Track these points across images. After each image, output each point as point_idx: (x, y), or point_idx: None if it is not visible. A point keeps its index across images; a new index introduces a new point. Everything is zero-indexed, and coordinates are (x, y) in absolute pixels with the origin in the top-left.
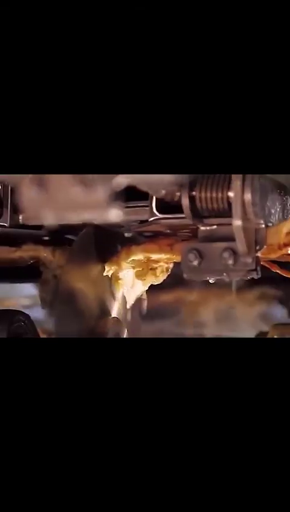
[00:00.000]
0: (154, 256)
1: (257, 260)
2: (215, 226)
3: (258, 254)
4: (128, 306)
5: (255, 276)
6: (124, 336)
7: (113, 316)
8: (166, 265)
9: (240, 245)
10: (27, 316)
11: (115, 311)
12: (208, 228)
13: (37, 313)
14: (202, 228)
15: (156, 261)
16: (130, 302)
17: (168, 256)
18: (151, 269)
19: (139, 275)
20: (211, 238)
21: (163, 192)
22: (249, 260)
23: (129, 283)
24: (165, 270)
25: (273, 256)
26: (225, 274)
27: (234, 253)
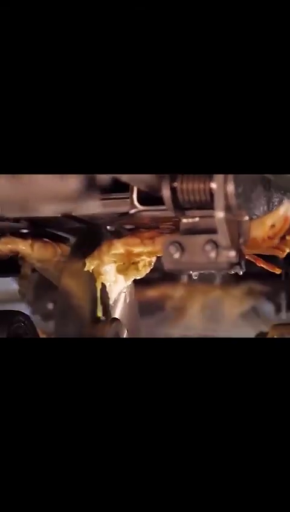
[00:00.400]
0: (136, 250)
1: (241, 254)
2: (197, 218)
3: (242, 247)
4: (111, 302)
5: (239, 270)
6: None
7: (113, 316)
8: (148, 259)
9: (223, 238)
10: (27, 317)
11: (115, 312)
12: (190, 220)
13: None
14: (184, 220)
15: (138, 255)
16: (113, 297)
17: (150, 249)
18: (133, 263)
19: (121, 270)
20: (193, 230)
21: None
22: (233, 253)
23: (111, 278)
24: (147, 264)
25: (258, 250)
26: (207, 268)
27: (217, 246)
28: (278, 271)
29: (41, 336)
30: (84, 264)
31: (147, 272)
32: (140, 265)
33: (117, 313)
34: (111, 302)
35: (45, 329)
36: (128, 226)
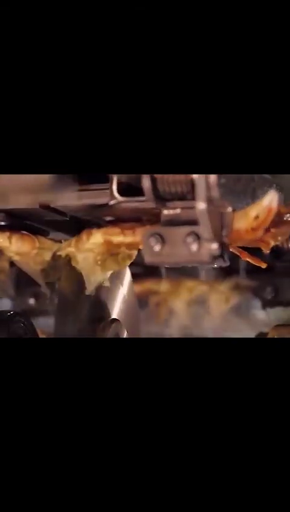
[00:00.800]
0: (115, 240)
1: (224, 246)
2: (178, 210)
3: (225, 240)
4: (88, 292)
5: (222, 264)
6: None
7: (112, 317)
8: (128, 252)
9: (205, 229)
10: (26, 317)
11: (115, 312)
12: (171, 212)
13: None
14: (165, 212)
15: (118, 246)
16: (90, 290)
17: (130, 240)
18: (112, 255)
19: (99, 260)
20: (174, 222)
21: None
22: (215, 246)
23: (89, 269)
24: (127, 257)
25: (242, 242)
26: (188, 261)
27: (199, 238)
28: (263, 265)
29: (41, 336)
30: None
31: (127, 266)
32: (119, 257)
33: (116, 314)
34: (88, 292)
35: (44, 329)
36: (108, 218)
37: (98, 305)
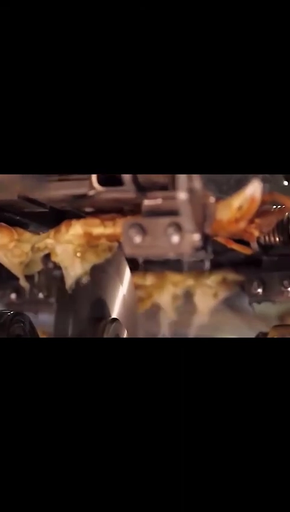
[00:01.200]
0: (95, 232)
1: (206, 237)
2: (160, 200)
3: (207, 231)
4: (67, 286)
5: (205, 256)
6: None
7: (113, 317)
8: (108, 244)
9: (186, 220)
10: (26, 317)
11: (115, 312)
12: (152, 202)
13: None
14: (146, 202)
15: (97, 238)
16: (69, 283)
17: (110, 232)
18: (92, 247)
19: (79, 253)
20: (155, 212)
21: None
22: (196, 237)
23: (68, 261)
24: (107, 249)
25: (225, 233)
26: (170, 252)
27: (180, 229)
28: (248, 251)
29: (42, 336)
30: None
31: (107, 258)
32: (99, 249)
33: (116, 313)
34: (67, 287)
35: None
36: (88, 209)
37: (98, 304)
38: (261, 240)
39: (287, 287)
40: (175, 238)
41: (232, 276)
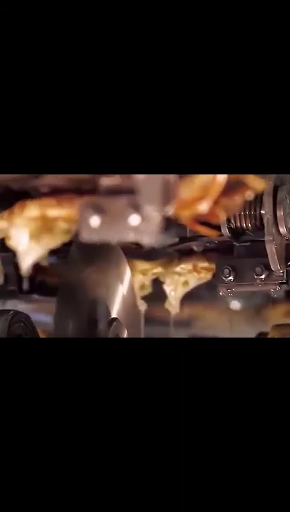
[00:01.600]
0: (51, 213)
1: (168, 218)
2: (119, 178)
3: (169, 210)
4: (22, 271)
5: (168, 240)
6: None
7: (113, 316)
8: (66, 226)
9: (145, 199)
10: (27, 317)
11: (115, 312)
12: (110, 181)
13: None
14: (104, 181)
15: (54, 220)
16: (24, 268)
17: (67, 213)
18: (48, 229)
19: (34, 236)
20: (113, 191)
21: None
22: (157, 217)
23: (23, 245)
24: (65, 231)
25: (188, 214)
26: (129, 236)
27: (138, 208)
28: (214, 234)
29: (42, 336)
30: (91, 266)
31: (65, 242)
32: (56, 232)
33: (116, 313)
34: (22, 272)
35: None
36: (43, 189)
37: (98, 304)
38: (232, 225)
39: (259, 275)
40: (134, 219)
41: (202, 263)
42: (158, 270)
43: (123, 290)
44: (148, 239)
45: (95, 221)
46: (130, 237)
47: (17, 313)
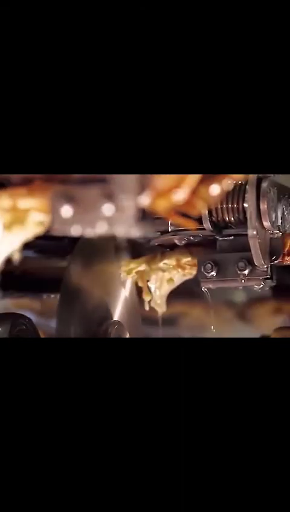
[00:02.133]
0: (22, 204)
1: (143, 209)
2: None
3: (145, 200)
4: None
5: (146, 232)
6: None
7: (115, 319)
8: (39, 217)
9: (118, 188)
10: (29, 319)
11: (117, 314)
12: None
13: None
14: None
15: (26, 211)
16: None
17: (40, 203)
18: (20, 221)
19: (5, 228)
20: (86, 180)
21: None
22: (133, 208)
23: None
24: (38, 223)
25: (165, 204)
26: (102, 226)
27: (113, 199)
28: (192, 225)
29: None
30: (92, 268)
31: (40, 233)
32: (28, 223)
33: (118, 315)
34: None
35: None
36: (14, 179)
37: (100, 306)
38: (214, 218)
39: (242, 270)
40: (108, 210)
41: (186, 258)
42: (143, 267)
43: (125, 293)
44: (123, 230)
45: (67, 211)
46: (104, 228)
47: (19, 316)
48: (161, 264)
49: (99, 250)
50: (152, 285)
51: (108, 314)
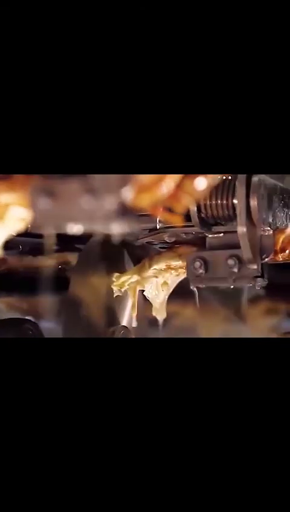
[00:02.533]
0: (2, 199)
1: (124, 205)
2: None
3: (128, 195)
4: None
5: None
6: None
7: (121, 324)
8: (18, 213)
9: (100, 183)
10: (35, 325)
11: (123, 319)
12: None
13: None
14: None
15: (5, 206)
16: None
17: (21, 199)
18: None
19: None
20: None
21: None
22: (114, 202)
23: None
24: (18, 220)
25: (149, 198)
26: (85, 220)
27: (94, 193)
28: (179, 221)
29: None
30: (97, 275)
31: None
32: (8, 219)
33: (125, 321)
34: None
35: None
36: None
37: (108, 312)
38: (203, 215)
39: (232, 267)
40: (89, 202)
41: (175, 262)
42: (134, 278)
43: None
44: (104, 225)
45: (46, 205)
46: (85, 223)
47: (25, 321)
48: (151, 271)
49: (107, 256)
50: (149, 295)
51: (115, 320)
